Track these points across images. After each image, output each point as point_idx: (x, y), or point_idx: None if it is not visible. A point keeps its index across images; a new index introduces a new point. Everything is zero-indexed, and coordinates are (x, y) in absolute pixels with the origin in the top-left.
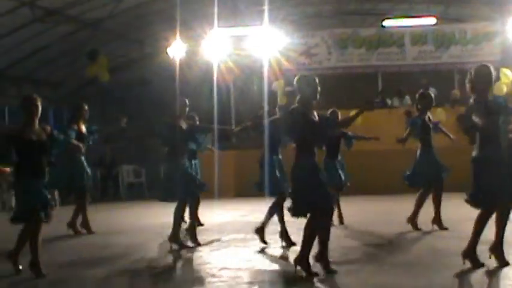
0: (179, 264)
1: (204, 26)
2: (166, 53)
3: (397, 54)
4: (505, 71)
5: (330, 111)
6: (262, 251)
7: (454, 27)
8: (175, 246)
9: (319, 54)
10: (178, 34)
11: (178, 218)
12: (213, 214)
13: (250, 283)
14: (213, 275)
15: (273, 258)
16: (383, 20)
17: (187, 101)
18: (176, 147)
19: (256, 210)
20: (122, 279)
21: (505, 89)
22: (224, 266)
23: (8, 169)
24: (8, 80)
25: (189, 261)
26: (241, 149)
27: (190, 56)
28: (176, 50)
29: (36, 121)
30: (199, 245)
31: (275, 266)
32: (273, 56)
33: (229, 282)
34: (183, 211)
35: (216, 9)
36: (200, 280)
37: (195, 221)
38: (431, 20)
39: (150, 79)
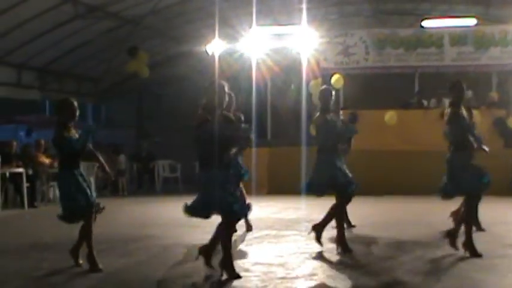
0: (215, 258)
1: (243, 24)
2: (206, 50)
3: (435, 55)
4: None
5: (349, 112)
6: (294, 247)
7: (494, 28)
8: None
9: (356, 53)
10: (217, 32)
11: None
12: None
13: (283, 279)
14: (246, 270)
15: (305, 255)
16: (422, 20)
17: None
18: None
19: (288, 207)
20: (156, 270)
21: None
22: (257, 261)
23: (47, 160)
24: (50, 74)
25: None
26: (274, 146)
27: (230, 53)
28: (215, 47)
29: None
30: None
31: (307, 263)
32: (311, 55)
33: (261, 277)
34: None
35: (254, 8)
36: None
37: None
38: (472, 21)
39: (189, 76)
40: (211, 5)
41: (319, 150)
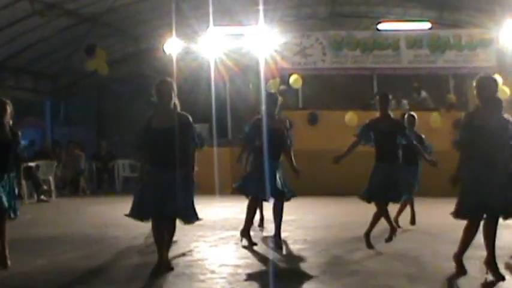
0: (178, 260)
1: (201, 24)
2: (163, 49)
3: (392, 57)
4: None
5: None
6: (260, 248)
7: (449, 32)
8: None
9: (313, 55)
10: (174, 31)
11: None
12: (212, 210)
13: (249, 280)
14: (212, 271)
15: (270, 256)
16: (378, 23)
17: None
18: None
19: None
20: (117, 272)
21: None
22: (223, 263)
23: None
24: (6, 71)
25: (188, 257)
26: (235, 145)
27: (187, 53)
28: (172, 46)
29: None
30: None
31: (272, 263)
32: (269, 55)
33: (228, 279)
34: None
35: (211, 8)
36: (199, 276)
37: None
38: (426, 25)
39: (147, 74)
40: (168, 4)
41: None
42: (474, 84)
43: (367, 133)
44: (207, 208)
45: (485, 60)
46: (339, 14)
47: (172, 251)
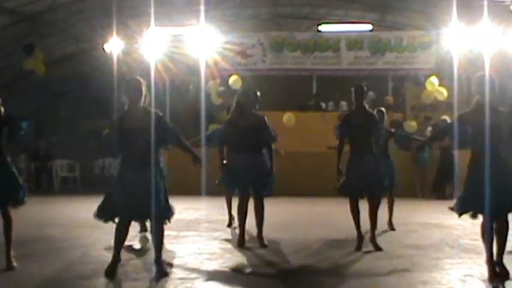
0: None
1: (142, 24)
2: (103, 49)
3: (332, 59)
4: (431, 79)
5: None
6: (194, 248)
7: (390, 34)
8: None
9: (254, 55)
10: (115, 31)
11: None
12: None
13: (183, 279)
14: (146, 270)
15: (204, 256)
16: (319, 24)
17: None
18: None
19: (189, 208)
20: (56, 272)
21: (432, 97)
22: None
23: None
24: None
25: (123, 256)
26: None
27: (128, 53)
28: (113, 46)
29: None
30: None
31: (207, 263)
32: (209, 56)
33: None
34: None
35: (152, 8)
36: (133, 275)
37: None
38: (367, 27)
39: (88, 74)
40: (109, 4)
41: None
42: (474, 83)
43: (344, 129)
44: None
45: (424, 62)
46: (280, 15)
47: (107, 250)
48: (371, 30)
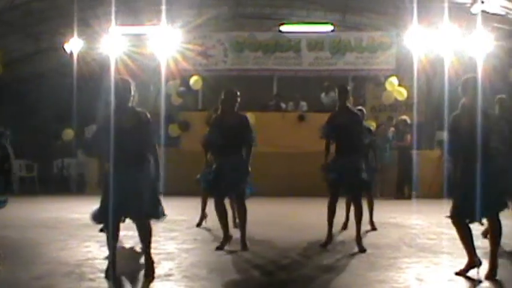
0: (69, 259)
1: (102, 24)
2: (63, 48)
3: (293, 59)
4: (391, 79)
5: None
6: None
7: (350, 35)
8: None
9: (215, 55)
10: (75, 30)
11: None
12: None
13: (139, 279)
14: (102, 271)
15: (161, 256)
16: (280, 25)
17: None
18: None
19: None
20: (11, 272)
21: (392, 97)
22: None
23: None
24: None
25: (79, 256)
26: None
27: (88, 52)
28: (73, 46)
29: None
30: None
31: (163, 263)
32: (170, 56)
33: (117, 278)
34: None
35: (113, 8)
36: (89, 275)
37: None
38: (328, 27)
39: (48, 74)
40: (70, 3)
41: None
42: (461, 84)
43: (329, 129)
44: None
45: (385, 63)
46: (242, 15)
47: (64, 250)
48: (332, 31)
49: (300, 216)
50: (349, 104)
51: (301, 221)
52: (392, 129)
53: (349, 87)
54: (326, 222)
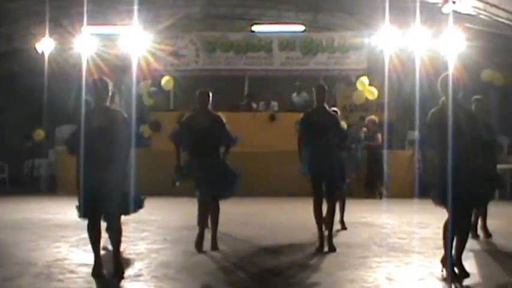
0: (39, 260)
1: (74, 24)
2: (35, 48)
3: (264, 59)
4: (362, 79)
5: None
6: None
7: (322, 35)
8: None
9: (187, 56)
10: (47, 30)
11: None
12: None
13: (109, 279)
14: (71, 271)
15: (130, 256)
16: (252, 25)
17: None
18: None
19: None
20: None
21: (363, 97)
22: (83, 263)
23: None
24: None
25: (49, 257)
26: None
27: (60, 52)
28: (45, 46)
29: None
30: None
31: (133, 263)
32: (142, 56)
33: (87, 279)
34: None
35: (85, 8)
36: (58, 276)
37: None
38: (300, 27)
39: (20, 74)
40: (42, 3)
41: None
42: (439, 83)
43: (305, 126)
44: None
45: (356, 63)
46: (213, 16)
47: (34, 251)
48: (303, 31)
49: (270, 215)
50: (326, 104)
51: (271, 220)
52: (364, 129)
53: (326, 87)
54: (311, 224)
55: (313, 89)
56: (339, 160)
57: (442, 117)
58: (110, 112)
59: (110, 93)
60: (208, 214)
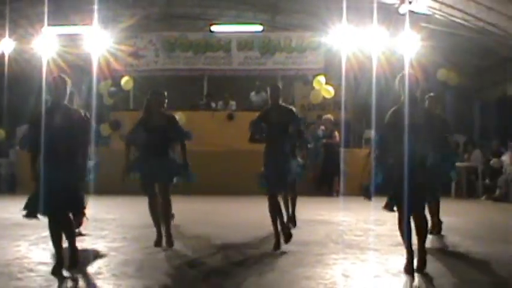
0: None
1: (35, 24)
2: None
3: (223, 59)
4: (318, 78)
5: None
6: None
7: (280, 35)
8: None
9: (147, 56)
10: (7, 31)
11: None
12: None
13: (68, 277)
14: (30, 270)
15: (92, 254)
16: (211, 25)
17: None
18: None
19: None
20: None
21: (320, 96)
22: (41, 261)
23: None
24: None
25: (8, 256)
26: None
27: (20, 53)
28: (5, 46)
29: None
30: None
31: (93, 261)
32: (102, 56)
33: (46, 277)
34: None
35: (46, 8)
36: (17, 274)
37: None
38: (258, 27)
39: None
40: (1, 3)
41: None
42: (397, 82)
43: (260, 125)
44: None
45: (313, 62)
46: (173, 16)
47: None
48: (261, 31)
49: (227, 214)
50: (282, 102)
51: (228, 219)
52: (322, 127)
53: (280, 86)
54: (268, 222)
55: (267, 88)
56: (294, 162)
57: (401, 116)
58: (67, 110)
59: (68, 92)
60: (157, 211)
